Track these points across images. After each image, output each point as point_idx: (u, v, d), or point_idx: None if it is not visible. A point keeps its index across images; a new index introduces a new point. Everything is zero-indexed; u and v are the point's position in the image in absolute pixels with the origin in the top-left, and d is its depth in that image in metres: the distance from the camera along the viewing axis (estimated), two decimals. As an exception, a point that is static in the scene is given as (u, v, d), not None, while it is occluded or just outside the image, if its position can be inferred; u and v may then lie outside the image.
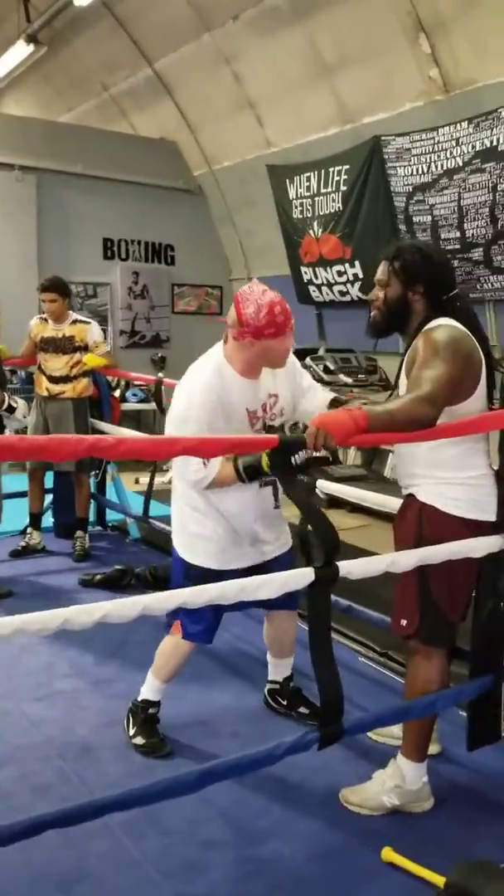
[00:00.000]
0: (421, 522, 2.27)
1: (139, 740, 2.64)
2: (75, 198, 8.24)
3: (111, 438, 1.59)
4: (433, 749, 2.64)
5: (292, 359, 2.57)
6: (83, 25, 8.15)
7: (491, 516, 2.26)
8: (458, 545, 2.19)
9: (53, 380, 4.61)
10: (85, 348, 4.56)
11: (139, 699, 2.70)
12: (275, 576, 1.92)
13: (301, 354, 6.42)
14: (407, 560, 2.14)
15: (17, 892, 1.96)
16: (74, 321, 4.58)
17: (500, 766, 2.56)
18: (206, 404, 2.29)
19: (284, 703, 2.88)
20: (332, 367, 6.61)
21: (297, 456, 1.92)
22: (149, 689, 2.68)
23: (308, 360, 6.58)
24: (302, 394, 2.59)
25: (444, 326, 2.21)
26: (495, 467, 2.32)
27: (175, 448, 1.68)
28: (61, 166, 8.16)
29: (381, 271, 2.32)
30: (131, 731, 2.68)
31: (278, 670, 2.89)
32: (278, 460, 1.90)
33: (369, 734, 2.77)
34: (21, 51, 8.02)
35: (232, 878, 2.03)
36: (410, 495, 2.33)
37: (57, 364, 4.58)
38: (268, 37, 6.80)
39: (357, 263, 6.90)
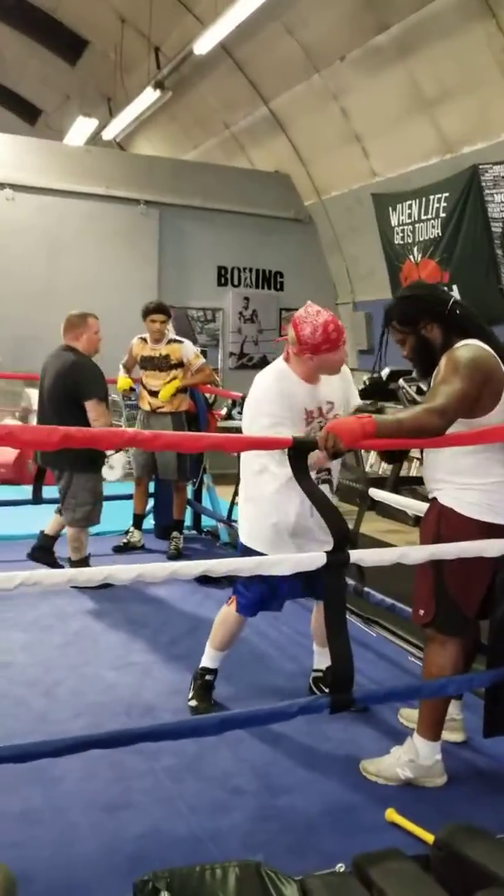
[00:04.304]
0: (439, 523, 2.53)
1: (192, 702, 3.02)
2: (193, 229, 8.91)
3: (148, 433, 1.99)
4: (458, 737, 2.86)
5: (349, 374, 2.92)
6: (206, 69, 8.82)
7: (505, 519, 2.48)
8: (468, 544, 2.41)
9: (154, 394, 5.13)
10: (180, 365, 5.04)
11: (199, 666, 3.08)
12: (290, 556, 2.25)
13: (395, 375, 6.64)
14: (417, 554, 2.39)
15: (72, 809, 2.37)
16: (170, 341, 5.08)
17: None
18: (270, 391, 2.70)
19: (327, 691, 3.15)
20: (424, 387, 6.75)
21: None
22: (207, 657, 3.05)
23: (401, 381, 6.77)
24: (348, 409, 2.90)
25: (468, 346, 2.43)
26: None
27: (201, 443, 2.05)
28: (182, 200, 8.85)
29: (393, 337, 2.61)
30: (190, 694, 3.06)
31: (322, 659, 3.16)
32: (293, 457, 2.22)
33: (400, 719, 3.01)
34: (149, 96, 8.80)
35: (250, 819, 2.35)
36: (434, 498, 2.59)
37: (156, 381, 5.10)
38: (372, 74, 7.15)
39: (455, 287, 7.06)
